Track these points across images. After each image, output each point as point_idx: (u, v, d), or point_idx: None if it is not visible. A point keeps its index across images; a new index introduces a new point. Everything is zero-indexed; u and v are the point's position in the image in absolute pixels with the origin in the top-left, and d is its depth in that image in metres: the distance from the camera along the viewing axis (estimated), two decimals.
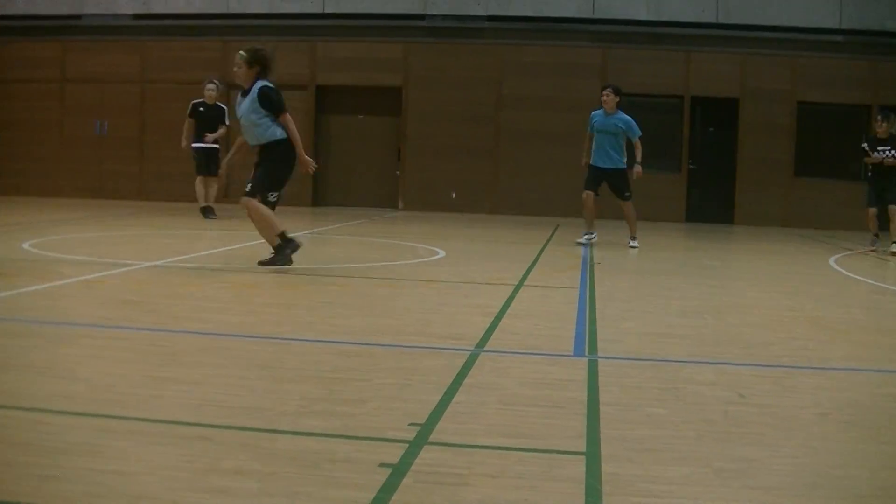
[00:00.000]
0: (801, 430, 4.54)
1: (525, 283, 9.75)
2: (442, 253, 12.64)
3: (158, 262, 10.23)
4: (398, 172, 22.80)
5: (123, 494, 3.31)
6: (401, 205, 22.61)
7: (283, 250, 9.81)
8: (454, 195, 22.35)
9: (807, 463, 4.03)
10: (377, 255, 12.75)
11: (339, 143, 23.20)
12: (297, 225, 17.28)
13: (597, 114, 14.43)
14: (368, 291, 9.19)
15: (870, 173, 15.95)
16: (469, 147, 22.36)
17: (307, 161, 9.85)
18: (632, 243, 14.31)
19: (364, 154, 23.14)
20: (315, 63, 22.83)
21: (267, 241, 9.97)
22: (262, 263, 9.84)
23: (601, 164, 14.31)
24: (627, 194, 14.37)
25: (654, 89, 21.79)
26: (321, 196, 23.09)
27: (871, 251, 15.61)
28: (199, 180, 17.80)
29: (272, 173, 9.84)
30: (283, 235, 9.84)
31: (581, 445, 4.07)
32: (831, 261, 13.83)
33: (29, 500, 3.24)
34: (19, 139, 23.44)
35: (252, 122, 9.76)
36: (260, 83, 9.77)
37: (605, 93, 14.39)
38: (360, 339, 6.44)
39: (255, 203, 9.70)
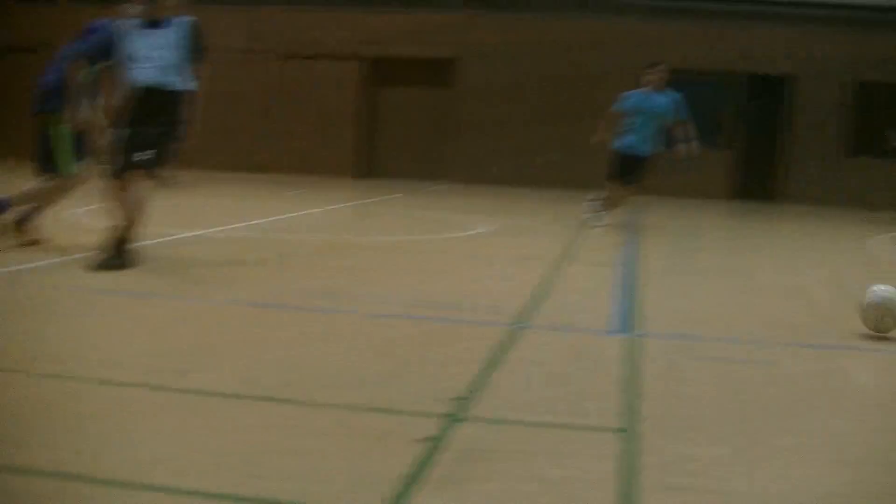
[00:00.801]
0: (843, 410, 4.49)
1: (568, 258, 9.71)
2: (488, 227, 12.61)
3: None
4: (447, 145, 22.74)
5: (139, 462, 3.32)
6: (449, 178, 22.55)
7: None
8: (495, 169, 22.25)
9: (848, 444, 3.98)
10: (423, 228, 12.75)
11: (389, 114, 23.21)
12: (344, 196, 17.34)
13: (636, 93, 12.70)
14: (412, 264, 9.19)
15: None
16: (520, 121, 22.28)
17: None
18: (600, 221, 12.88)
19: (413, 126, 23.11)
20: (367, 34, 22.73)
21: (125, 223, 7.61)
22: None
23: (640, 152, 12.63)
24: (642, 181, 12.84)
25: (702, 65, 21.53)
26: (370, 167, 23.09)
27: None
28: None
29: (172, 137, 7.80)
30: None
31: (621, 422, 4.04)
32: (879, 241, 13.70)
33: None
34: None
35: (170, 60, 7.63)
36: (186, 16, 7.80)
37: (658, 69, 12.65)
38: (401, 312, 6.44)
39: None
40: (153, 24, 7.72)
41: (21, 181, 8.67)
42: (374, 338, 5.63)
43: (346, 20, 22.60)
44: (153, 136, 7.66)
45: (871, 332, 6.08)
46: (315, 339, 5.53)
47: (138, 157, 7.58)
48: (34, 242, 8.28)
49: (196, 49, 7.76)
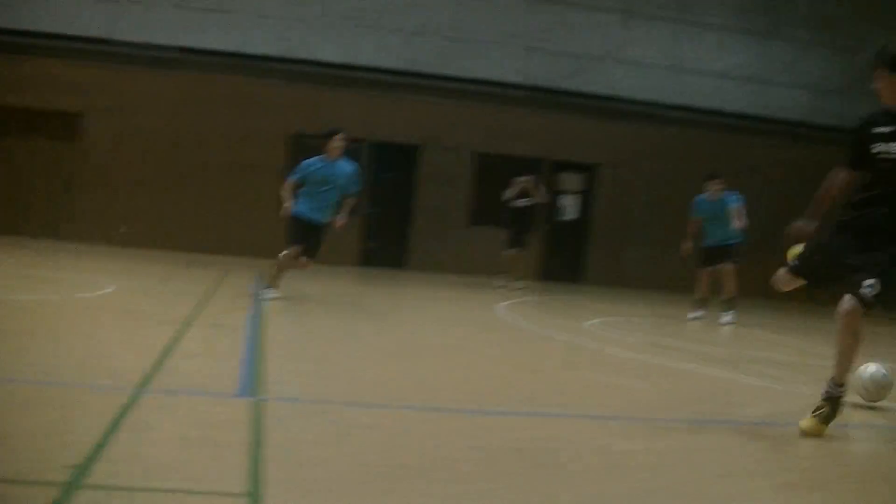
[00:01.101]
0: (460, 472, 4.66)
1: (194, 321, 9.58)
2: (113, 287, 12.26)
3: None
4: (71, 202, 21.92)
5: None
6: (74, 236, 21.70)
7: None
8: (124, 229, 21.67)
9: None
10: (43, 287, 12.22)
11: (5, 167, 22.05)
12: None
13: (316, 161, 12.53)
14: (26, 326, 8.75)
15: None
16: (148, 180, 21.78)
17: None
18: (269, 294, 12.45)
19: (34, 181, 22.11)
20: None
21: None
22: None
23: (321, 219, 12.58)
24: (317, 249, 12.77)
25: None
26: None
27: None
28: None
29: None
30: None
31: (245, 487, 4.02)
32: (500, 307, 14.39)
33: None
34: None
35: None
36: None
37: (339, 136, 12.48)
38: (15, 377, 6.12)
39: None
40: None
41: None
42: None
43: None
44: None
45: None
46: None
47: None
48: None
49: None
